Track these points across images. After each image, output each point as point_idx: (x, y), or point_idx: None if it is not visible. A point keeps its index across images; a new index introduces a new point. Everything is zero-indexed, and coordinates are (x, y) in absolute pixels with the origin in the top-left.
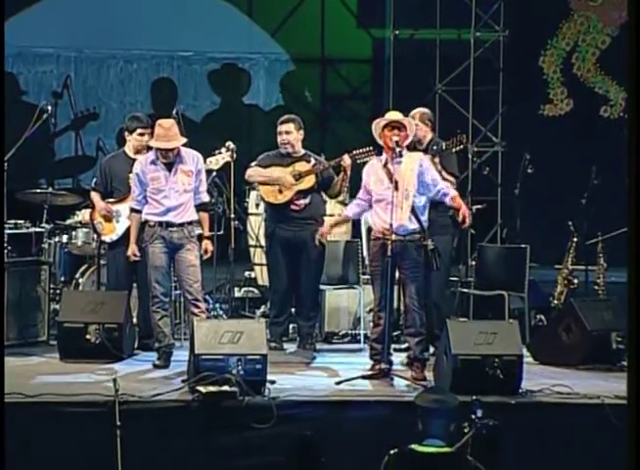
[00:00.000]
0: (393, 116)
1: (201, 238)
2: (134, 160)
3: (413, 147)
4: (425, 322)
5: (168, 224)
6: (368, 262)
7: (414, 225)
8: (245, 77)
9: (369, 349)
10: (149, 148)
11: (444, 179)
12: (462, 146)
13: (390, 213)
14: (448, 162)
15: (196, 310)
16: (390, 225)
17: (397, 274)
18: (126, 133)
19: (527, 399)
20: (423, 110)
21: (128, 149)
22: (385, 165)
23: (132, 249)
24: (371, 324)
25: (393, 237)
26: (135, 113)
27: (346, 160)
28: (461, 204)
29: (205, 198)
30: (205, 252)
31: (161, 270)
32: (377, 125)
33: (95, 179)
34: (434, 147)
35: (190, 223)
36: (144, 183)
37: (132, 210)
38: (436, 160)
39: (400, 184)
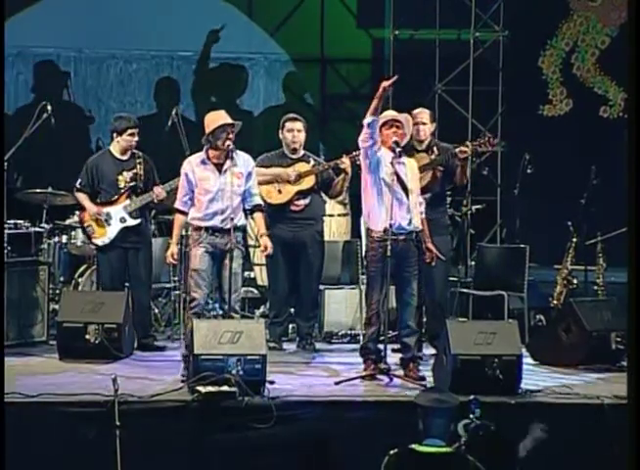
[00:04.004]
0: (391, 113)
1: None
2: (121, 160)
3: (411, 147)
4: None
5: (214, 230)
6: (368, 263)
7: (418, 224)
8: (244, 77)
9: (364, 349)
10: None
11: (462, 180)
12: (493, 148)
13: (391, 211)
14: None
15: None
16: (390, 225)
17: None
18: (114, 134)
19: (527, 399)
20: (426, 110)
21: (114, 149)
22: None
23: (172, 250)
24: None
25: (399, 237)
26: (121, 113)
27: (344, 161)
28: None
29: (259, 200)
30: (265, 248)
31: (203, 274)
32: None
33: (80, 180)
34: (441, 146)
35: (237, 229)
36: (192, 183)
37: (177, 210)
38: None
39: (412, 185)
